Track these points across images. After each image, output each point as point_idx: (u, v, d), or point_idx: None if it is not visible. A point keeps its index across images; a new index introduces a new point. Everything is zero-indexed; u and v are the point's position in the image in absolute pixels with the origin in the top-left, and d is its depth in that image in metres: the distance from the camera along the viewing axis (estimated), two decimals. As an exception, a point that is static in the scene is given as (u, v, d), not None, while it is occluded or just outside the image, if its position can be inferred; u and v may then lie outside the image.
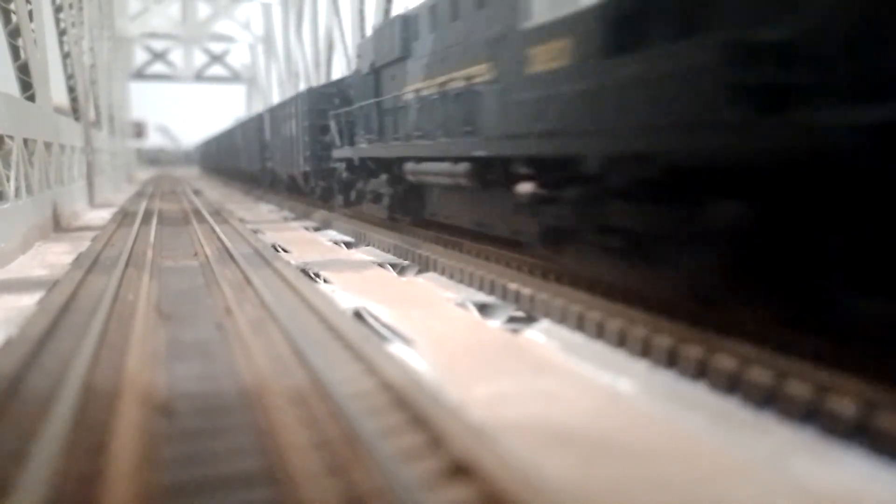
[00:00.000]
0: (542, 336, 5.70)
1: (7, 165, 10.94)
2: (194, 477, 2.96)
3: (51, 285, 7.24)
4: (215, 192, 29.47)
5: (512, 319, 6.62)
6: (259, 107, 43.76)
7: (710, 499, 2.90)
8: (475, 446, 3.00)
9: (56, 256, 10.13)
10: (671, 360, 4.68)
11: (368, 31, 23.69)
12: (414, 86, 10.22)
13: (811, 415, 3.71)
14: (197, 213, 15.87)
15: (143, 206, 17.86)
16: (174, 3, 53.02)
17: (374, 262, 9.29)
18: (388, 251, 10.59)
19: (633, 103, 4.85)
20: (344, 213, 15.02)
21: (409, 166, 10.27)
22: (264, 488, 2.87)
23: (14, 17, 13.62)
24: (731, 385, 4.21)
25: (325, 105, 16.61)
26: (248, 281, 7.01)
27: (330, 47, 30.53)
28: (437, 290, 7.46)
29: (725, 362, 4.28)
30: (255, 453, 3.18)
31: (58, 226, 14.06)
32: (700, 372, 4.44)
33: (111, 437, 3.22)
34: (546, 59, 6.07)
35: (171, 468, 3.03)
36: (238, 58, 60.62)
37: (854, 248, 3.57)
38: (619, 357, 5.05)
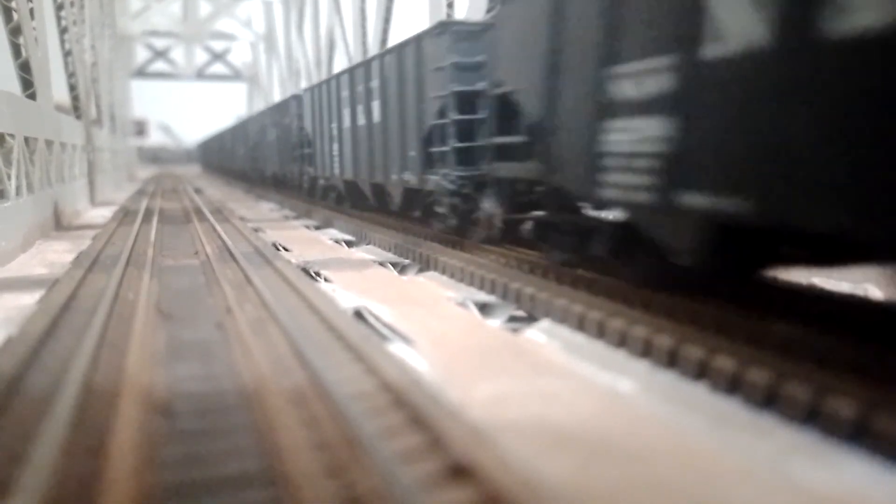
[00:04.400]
0: (543, 336, 5.70)
1: (8, 163, 10.94)
2: (194, 477, 2.96)
3: (51, 284, 7.24)
4: (217, 190, 29.46)
5: (512, 319, 6.62)
6: (260, 105, 43.64)
7: (709, 500, 2.89)
8: (475, 447, 2.99)
9: (57, 255, 10.12)
10: (672, 361, 4.67)
11: (370, 30, 23.66)
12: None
13: (811, 416, 3.70)
14: (198, 211, 15.86)
15: (144, 204, 17.85)
16: (175, 1, 53.01)
17: (374, 261, 9.28)
18: (389, 250, 10.58)
19: None
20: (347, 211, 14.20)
21: None
22: (264, 489, 2.87)
23: (15, 16, 13.60)
24: (732, 386, 4.20)
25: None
26: (249, 280, 7.00)
27: (331, 46, 30.52)
28: (437, 289, 7.45)
29: (726, 363, 4.27)
30: (255, 454, 3.18)
31: (59, 224, 14.06)
32: (701, 373, 4.44)
33: (111, 437, 3.22)
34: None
35: (170, 469, 3.03)
36: (239, 56, 60.72)
37: None
38: (620, 357, 5.05)
